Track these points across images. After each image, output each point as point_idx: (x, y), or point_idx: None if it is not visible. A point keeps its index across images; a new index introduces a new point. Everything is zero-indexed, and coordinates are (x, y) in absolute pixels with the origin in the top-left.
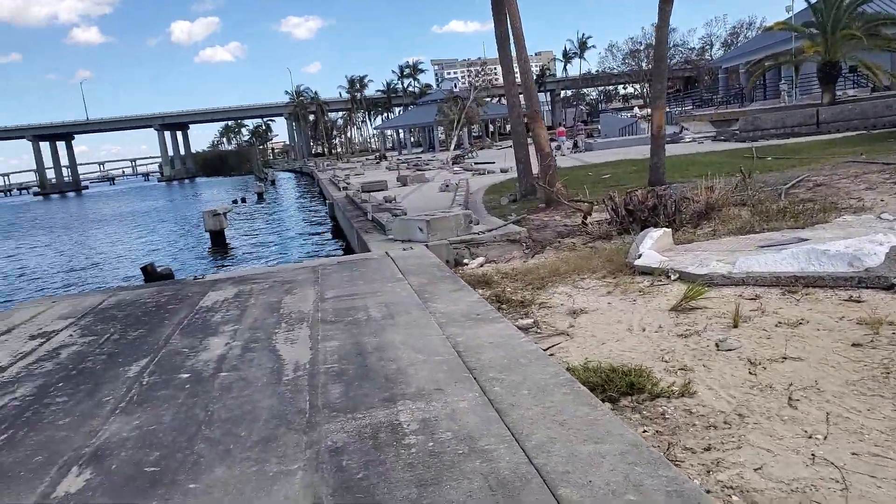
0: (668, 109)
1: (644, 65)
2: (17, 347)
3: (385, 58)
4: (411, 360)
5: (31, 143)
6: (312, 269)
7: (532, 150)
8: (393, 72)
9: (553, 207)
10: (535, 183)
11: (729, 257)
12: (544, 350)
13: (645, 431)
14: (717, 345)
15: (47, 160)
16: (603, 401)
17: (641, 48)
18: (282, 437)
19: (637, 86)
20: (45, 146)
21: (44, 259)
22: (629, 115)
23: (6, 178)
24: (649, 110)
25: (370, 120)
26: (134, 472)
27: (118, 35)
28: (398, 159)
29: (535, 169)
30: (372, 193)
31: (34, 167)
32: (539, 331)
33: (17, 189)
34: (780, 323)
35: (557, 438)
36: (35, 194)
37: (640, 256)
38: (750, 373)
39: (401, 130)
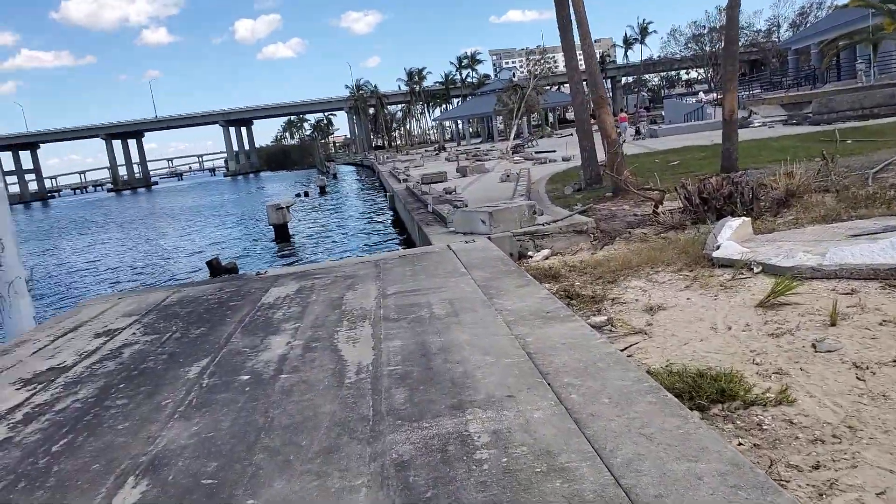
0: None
1: (708, 49)
2: (82, 346)
3: (443, 49)
4: (479, 363)
5: (104, 141)
6: (374, 264)
7: (597, 137)
8: (451, 63)
9: (621, 196)
10: (604, 171)
11: (816, 248)
12: (621, 350)
13: (741, 445)
14: (814, 345)
15: (119, 157)
16: (691, 409)
17: (705, 32)
18: (344, 448)
19: (701, 70)
20: (117, 144)
21: (116, 254)
22: (694, 100)
23: (82, 175)
24: (715, 95)
25: (429, 112)
26: (190, 485)
27: (185, 35)
28: (457, 150)
29: (601, 157)
30: (432, 185)
31: (107, 165)
32: (613, 329)
33: (93, 186)
34: (885, 321)
35: (646, 455)
36: (108, 191)
37: (718, 247)
38: (857, 378)
39: (459, 121)
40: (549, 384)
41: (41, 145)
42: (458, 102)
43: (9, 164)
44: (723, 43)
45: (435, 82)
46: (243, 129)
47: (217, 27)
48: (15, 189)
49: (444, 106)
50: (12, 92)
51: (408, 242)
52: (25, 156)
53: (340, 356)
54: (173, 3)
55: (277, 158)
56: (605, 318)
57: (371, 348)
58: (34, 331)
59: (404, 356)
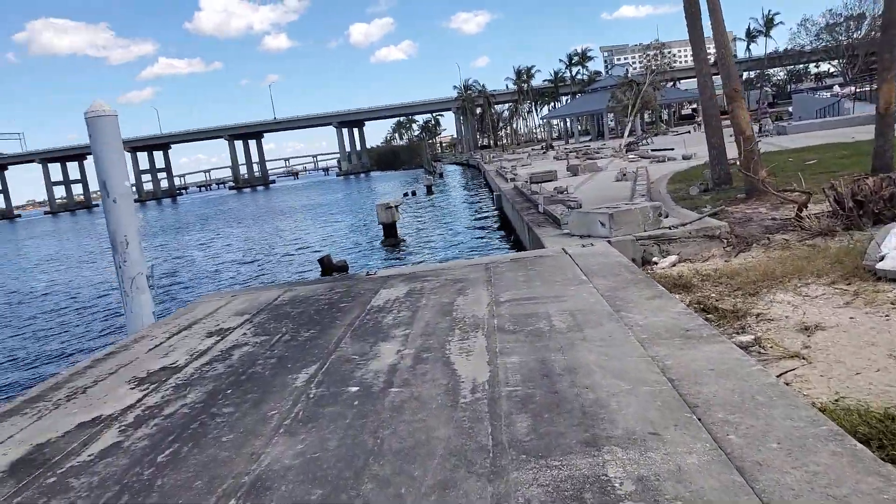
0: (870, 86)
1: (844, 39)
2: (194, 345)
3: (552, 47)
4: (612, 389)
5: (227, 141)
6: (485, 267)
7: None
8: (560, 60)
9: (756, 198)
10: (740, 170)
11: None
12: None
13: None
14: None
15: (241, 157)
16: (883, 460)
17: (841, 21)
18: (461, 484)
19: (835, 63)
20: (238, 144)
21: (233, 249)
22: (828, 94)
23: (207, 174)
24: (853, 88)
25: (536, 110)
26: None
27: (303, 40)
28: (565, 148)
29: (730, 155)
30: (541, 184)
31: (230, 164)
32: (762, 351)
33: (216, 183)
34: None
35: None
36: (230, 188)
37: (882, 258)
38: None
39: (568, 119)
40: (699, 420)
41: (172, 146)
42: (566, 100)
43: (144, 164)
44: (862, 32)
45: (543, 80)
46: (355, 130)
47: (333, 32)
48: (149, 187)
49: (552, 104)
50: (150, 97)
51: (516, 244)
52: (158, 156)
53: (454, 370)
54: (293, 9)
55: (387, 158)
56: (752, 337)
57: (486, 363)
58: (152, 327)
59: (524, 375)
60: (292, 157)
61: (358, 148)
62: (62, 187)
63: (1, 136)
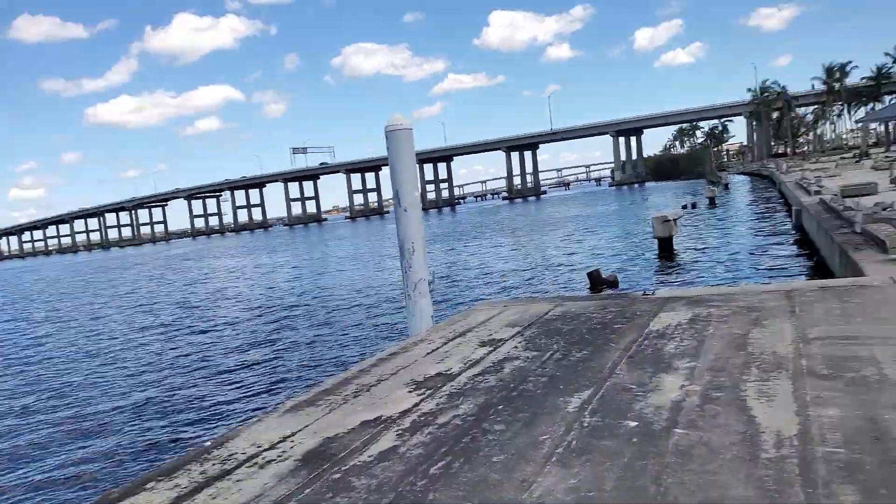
0: None
1: None
2: (468, 353)
3: (875, 39)
4: None
5: (504, 153)
6: (786, 295)
7: None
8: (886, 54)
9: None
10: None
11: None
12: None
13: None
14: None
15: (515, 168)
16: None
17: None
18: None
19: None
20: (514, 156)
21: (503, 257)
22: None
23: (484, 184)
24: None
25: (849, 113)
26: None
27: (585, 48)
28: (886, 157)
29: None
30: (857, 199)
31: (504, 175)
32: None
33: (490, 194)
34: None
35: None
36: (503, 198)
37: None
38: None
39: (891, 123)
40: None
41: (454, 158)
42: (890, 101)
43: (429, 175)
44: None
45: (861, 78)
46: (632, 139)
47: (617, 38)
48: (431, 196)
49: (871, 105)
50: (437, 112)
51: (820, 268)
52: (441, 167)
53: (751, 417)
54: (579, 18)
55: (664, 167)
56: None
57: (794, 413)
58: (430, 331)
59: (846, 435)
60: (564, 168)
61: (634, 157)
62: (360, 195)
63: (317, 149)
